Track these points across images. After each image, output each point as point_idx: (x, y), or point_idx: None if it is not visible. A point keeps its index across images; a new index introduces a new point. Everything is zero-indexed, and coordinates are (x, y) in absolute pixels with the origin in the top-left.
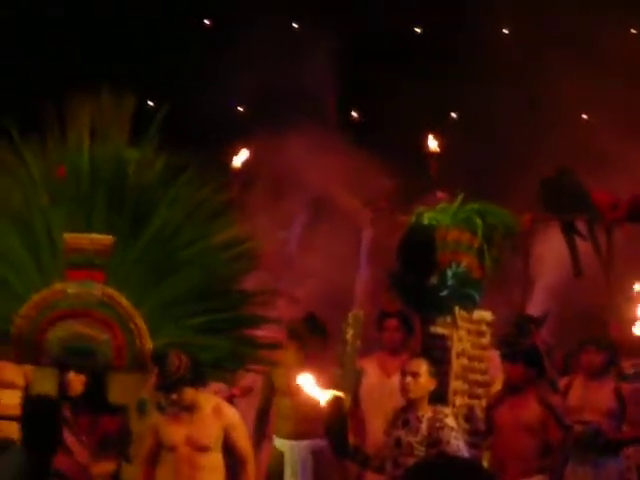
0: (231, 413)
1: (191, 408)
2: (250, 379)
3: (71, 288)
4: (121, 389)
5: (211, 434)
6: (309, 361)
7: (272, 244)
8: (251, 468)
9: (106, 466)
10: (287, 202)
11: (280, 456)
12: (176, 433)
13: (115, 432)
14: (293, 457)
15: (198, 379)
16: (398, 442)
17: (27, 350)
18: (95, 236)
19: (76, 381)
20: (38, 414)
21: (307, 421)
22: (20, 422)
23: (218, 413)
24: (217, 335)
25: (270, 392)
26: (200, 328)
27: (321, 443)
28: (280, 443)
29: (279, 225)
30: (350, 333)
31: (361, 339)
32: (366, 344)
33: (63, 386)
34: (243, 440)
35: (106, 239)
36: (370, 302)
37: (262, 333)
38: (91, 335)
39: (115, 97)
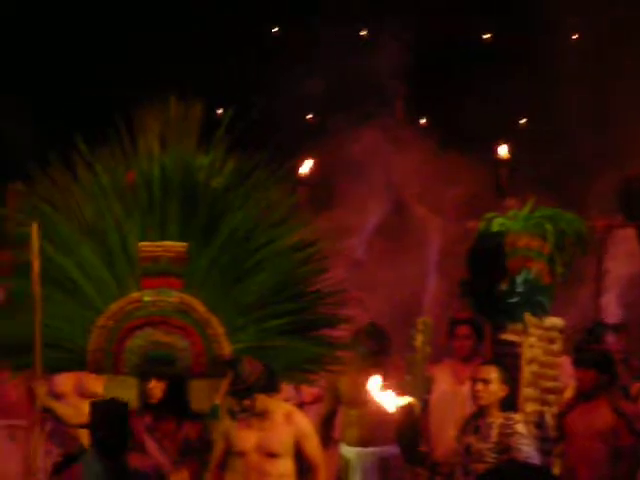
0: (303, 421)
1: (263, 414)
2: (320, 386)
3: (148, 296)
4: (202, 395)
5: (282, 441)
6: (376, 369)
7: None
8: (322, 476)
9: (185, 473)
10: (355, 209)
11: (346, 464)
12: (247, 439)
13: (196, 438)
14: (360, 465)
15: (270, 386)
16: (468, 449)
17: (106, 360)
18: (169, 243)
19: (156, 388)
20: (106, 416)
21: (374, 428)
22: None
23: (289, 420)
24: (294, 337)
25: (335, 399)
26: (277, 330)
27: (388, 450)
28: (346, 450)
29: (346, 231)
30: (420, 340)
31: (431, 346)
32: (434, 351)
33: (144, 394)
34: (314, 448)
35: (180, 246)
36: (439, 309)
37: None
38: (170, 343)
39: (183, 104)
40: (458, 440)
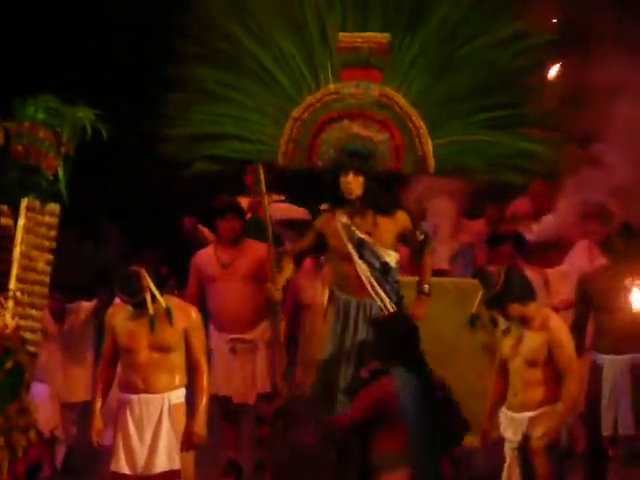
0: (557, 327)
1: (521, 322)
2: (569, 292)
3: (346, 88)
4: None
5: (535, 347)
6: (629, 272)
7: None
8: (575, 380)
9: None
10: None
11: (599, 371)
12: (505, 346)
13: None
14: (613, 372)
15: (523, 293)
16: None
17: (300, 153)
18: (371, 34)
19: (355, 183)
20: (412, 333)
21: (627, 335)
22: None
23: (545, 326)
24: (502, 132)
25: (586, 305)
26: (484, 125)
27: None
28: (598, 358)
29: None
30: None
31: None
32: None
33: (338, 189)
34: (567, 355)
35: (382, 37)
36: None
37: None
38: (368, 136)
39: None
40: None
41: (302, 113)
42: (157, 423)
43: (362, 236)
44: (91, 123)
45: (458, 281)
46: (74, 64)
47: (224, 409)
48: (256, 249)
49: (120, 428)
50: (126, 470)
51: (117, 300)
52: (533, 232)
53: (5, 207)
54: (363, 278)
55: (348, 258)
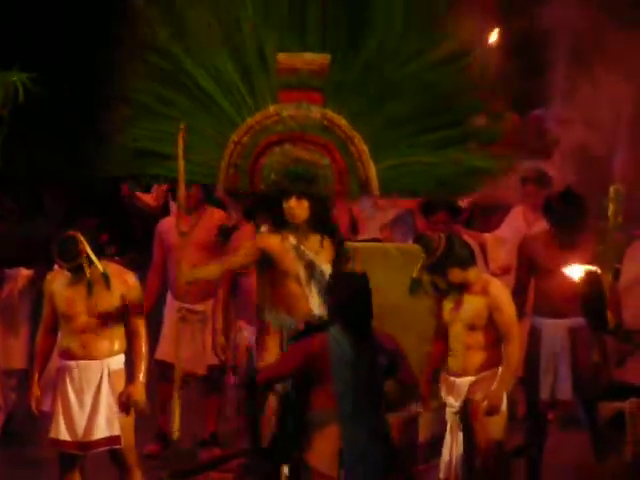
0: (497, 291)
1: (460, 287)
2: (509, 257)
3: (286, 110)
4: None
5: (475, 312)
6: (569, 238)
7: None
8: (515, 344)
9: None
10: None
11: (538, 335)
12: (446, 311)
13: None
14: (552, 336)
15: (463, 258)
16: None
17: (241, 177)
18: (310, 55)
19: (299, 208)
20: (356, 292)
21: (566, 299)
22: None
23: (485, 291)
24: (448, 150)
25: (527, 269)
26: (429, 145)
27: (580, 321)
28: (538, 321)
29: None
30: (611, 208)
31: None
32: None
33: (283, 213)
34: (507, 317)
35: (322, 58)
36: (631, 178)
37: None
38: (311, 160)
39: None
40: None
41: (242, 136)
42: (96, 389)
43: (312, 257)
44: (25, 87)
45: (402, 246)
46: None
47: (167, 376)
48: (214, 217)
49: (59, 395)
50: (66, 436)
51: (56, 267)
52: (474, 196)
53: None
54: (310, 300)
55: (297, 279)
